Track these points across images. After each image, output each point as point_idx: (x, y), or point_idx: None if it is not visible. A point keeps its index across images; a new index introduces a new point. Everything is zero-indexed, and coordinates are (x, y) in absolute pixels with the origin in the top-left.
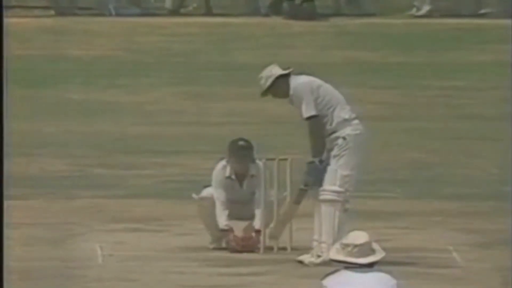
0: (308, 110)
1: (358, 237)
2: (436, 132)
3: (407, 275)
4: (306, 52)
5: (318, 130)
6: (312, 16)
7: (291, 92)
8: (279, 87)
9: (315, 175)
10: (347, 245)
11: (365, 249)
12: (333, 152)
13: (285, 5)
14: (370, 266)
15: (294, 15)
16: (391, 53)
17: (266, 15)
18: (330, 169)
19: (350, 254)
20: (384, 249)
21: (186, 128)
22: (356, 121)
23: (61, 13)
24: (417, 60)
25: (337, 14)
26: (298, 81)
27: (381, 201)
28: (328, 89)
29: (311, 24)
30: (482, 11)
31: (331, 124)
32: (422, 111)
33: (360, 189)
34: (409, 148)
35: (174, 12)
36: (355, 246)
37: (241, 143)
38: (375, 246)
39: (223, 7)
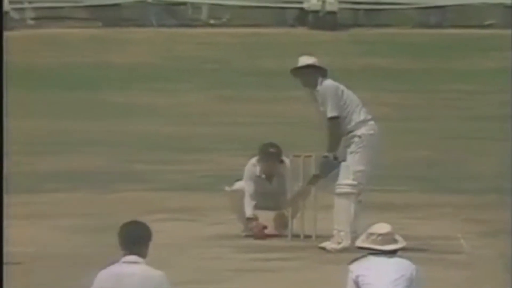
0: (332, 111)
1: (382, 227)
2: (444, 132)
3: (419, 260)
4: (327, 59)
5: (337, 130)
6: (333, 26)
7: (318, 87)
8: (308, 74)
9: (327, 168)
10: (372, 234)
11: (388, 238)
12: (350, 149)
13: (309, 17)
14: (392, 253)
15: (317, 26)
16: (403, 60)
17: (292, 25)
18: (345, 165)
19: (375, 242)
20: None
21: (218, 128)
22: (371, 122)
23: (107, 24)
24: (428, 66)
25: (356, 25)
26: (326, 82)
27: (395, 194)
28: (349, 94)
29: (332, 33)
30: (487, 22)
31: (349, 124)
32: (432, 112)
33: (376, 183)
34: (420, 146)
35: (208, 23)
36: (379, 235)
37: (271, 149)
38: (397, 236)
39: (253, 18)
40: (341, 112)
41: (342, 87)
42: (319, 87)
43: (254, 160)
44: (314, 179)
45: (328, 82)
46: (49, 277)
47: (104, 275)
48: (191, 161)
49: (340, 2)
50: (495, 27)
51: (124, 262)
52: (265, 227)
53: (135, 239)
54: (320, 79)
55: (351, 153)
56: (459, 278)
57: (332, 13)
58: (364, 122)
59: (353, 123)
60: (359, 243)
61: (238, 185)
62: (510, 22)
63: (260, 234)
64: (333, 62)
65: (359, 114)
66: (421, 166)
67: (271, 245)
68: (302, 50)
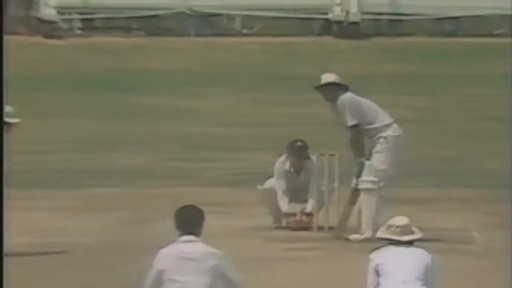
0: (351, 120)
1: (400, 220)
2: (458, 132)
3: (435, 250)
4: (351, 65)
5: (359, 136)
6: (356, 36)
7: (338, 101)
8: (330, 90)
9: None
10: (391, 226)
11: (406, 229)
12: (375, 149)
13: (334, 27)
14: (409, 243)
15: (341, 35)
16: (421, 66)
17: (318, 35)
18: (369, 163)
19: (394, 233)
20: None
21: (250, 129)
22: (395, 125)
23: (148, 33)
24: (443, 71)
25: (377, 34)
26: (344, 96)
27: (414, 190)
28: (367, 103)
29: (355, 42)
30: (496, 31)
31: (375, 129)
32: (448, 114)
33: (396, 179)
34: (436, 146)
35: (241, 32)
36: (398, 226)
37: (298, 143)
38: (413, 228)
39: (282, 28)
40: (360, 120)
41: (358, 98)
42: (339, 101)
43: (283, 157)
44: (354, 195)
45: (345, 95)
46: (103, 262)
47: (166, 252)
48: (226, 159)
49: (363, 13)
50: (504, 36)
51: (182, 241)
52: (303, 220)
53: (190, 220)
54: (340, 94)
55: (376, 152)
56: (472, 267)
57: (355, 23)
58: (388, 125)
59: (378, 127)
60: (379, 234)
61: (269, 183)
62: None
63: (298, 226)
64: (357, 69)
65: (383, 119)
66: (437, 163)
67: (299, 236)
68: (327, 57)
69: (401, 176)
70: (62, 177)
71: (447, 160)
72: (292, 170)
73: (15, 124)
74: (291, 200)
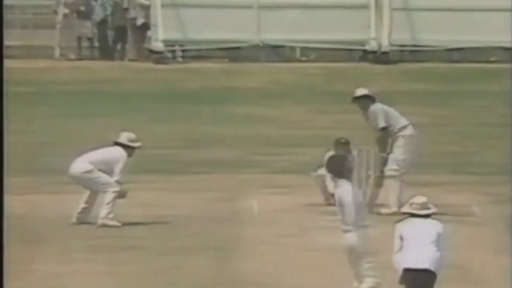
0: (381, 124)
1: (420, 198)
2: (463, 133)
3: (445, 221)
4: (383, 84)
5: (386, 136)
6: (386, 62)
7: (370, 109)
8: (363, 101)
9: (385, 163)
10: (412, 203)
11: (424, 206)
12: (396, 144)
13: (369, 55)
14: (426, 216)
15: (375, 62)
16: (435, 85)
17: (358, 61)
18: (392, 156)
19: (414, 208)
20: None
21: (309, 131)
22: (410, 126)
23: (232, 60)
24: (452, 89)
25: (403, 61)
26: (375, 106)
27: (430, 176)
28: (390, 110)
29: (386, 67)
30: (492, 59)
31: (395, 129)
32: (456, 120)
33: (417, 168)
34: (448, 143)
35: (301, 59)
36: (417, 204)
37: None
38: (430, 205)
39: (331, 56)
40: (387, 123)
41: (385, 107)
42: (370, 109)
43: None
44: (380, 179)
45: (375, 105)
46: (197, 229)
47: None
48: (291, 153)
49: (391, 45)
50: (498, 62)
51: None
52: None
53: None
54: (370, 104)
55: (397, 147)
56: (473, 233)
57: (386, 53)
58: (405, 127)
59: (397, 128)
60: (403, 209)
61: (320, 171)
62: (507, 59)
63: None
64: (387, 87)
65: (401, 122)
66: (447, 156)
67: None
68: (366, 78)
69: (419, 166)
70: (171, 166)
71: (455, 154)
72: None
73: (137, 147)
74: None
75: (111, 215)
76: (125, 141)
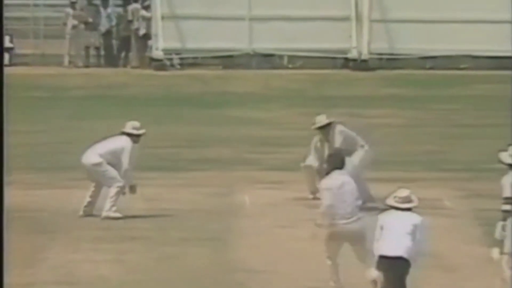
0: (337, 144)
1: (402, 192)
2: (438, 134)
3: (421, 213)
4: (363, 89)
5: (338, 153)
6: (366, 69)
7: (331, 133)
8: (328, 129)
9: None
10: (395, 196)
11: (405, 199)
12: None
13: (351, 63)
14: (408, 209)
15: (356, 69)
16: (411, 90)
17: (340, 68)
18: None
19: (396, 201)
20: None
21: (297, 132)
22: (366, 147)
23: (225, 67)
24: (427, 93)
25: (381, 68)
26: (336, 128)
27: (406, 172)
28: (348, 132)
29: (366, 73)
30: (462, 66)
31: (353, 148)
32: (430, 122)
33: (397, 166)
34: (422, 143)
35: (288, 66)
36: (400, 197)
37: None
38: (413, 198)
39: (316, 64)
40: (343, 146)
41: (342, 128)
42: (331, 133)
43: (316, 138)
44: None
45: (336, 128)
46: (195, 221)
47: (328, 181)
48: (281, 152)
49: (371, 54)
50: (467, 69)
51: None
52: None
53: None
54: (330, 129)
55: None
56: (445, 224)
57: (365, 60)
58: (361, 146)
59: (354, 147)
60: (387, 201)
61: (309, 160)
62: (475, 67)
63: None
64: (367, 92)
65: (357, 142)
66: (423, 154)
67: None
68: (347, 84)
69: (398, 163)
70: (172, 164)
71: (429, 152)
72: (318, 144)
73: (142, 134)
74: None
75: (114, 208)
76: (130, 130)
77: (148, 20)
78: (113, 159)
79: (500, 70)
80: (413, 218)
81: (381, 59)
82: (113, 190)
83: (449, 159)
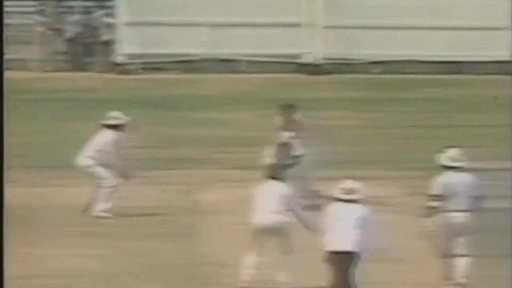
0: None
1: (347, 183)
2: (394, 134)
3: (372, 207)
4: (317, 92)
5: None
6: (320, 73)
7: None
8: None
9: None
10: (340, 188)
11: (350, 191)
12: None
13: (305, 67)
14: (353, 201)
15: (310, 73)
16: (363, 93)
17: (295, 73)
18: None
19: (340, 193)
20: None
21: (257, 133)
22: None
23: (186, 72)
24: (376, 96)
25: (333, 72)
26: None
27: (359, 171)
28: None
29: (319, 77)
30: (407, 71)
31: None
32: (381, 123)
33: (348, 165)
34: (378, 143)
35: (246, 71)
36: (344, 189)
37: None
38: (358, 190)
39: (272, 68)
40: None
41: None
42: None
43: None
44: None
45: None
46: (165, 217)
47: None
48: (244, 151)
49: (324, 59)
50: (413, 74)
51: None
52: None
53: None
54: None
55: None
56: (394, 220)
57: (319, 65)
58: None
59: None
60: (333, 193)
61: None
62: (420, 71)
63: None
64: (321, 95)
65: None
66: (376, 155)
67: None
68: (302, 87)
69: (351, 162)
70: (142, 164)
71: (381, 153)
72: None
73: (125, 123)
74: None
75: (105, 207)
76: (111, 121)
77: (112, 26)
78: (103, 157)
79: (444, 74)
80: (358, 210)
81: (333, 64)
82: (103, 190)
83: (399, 158)
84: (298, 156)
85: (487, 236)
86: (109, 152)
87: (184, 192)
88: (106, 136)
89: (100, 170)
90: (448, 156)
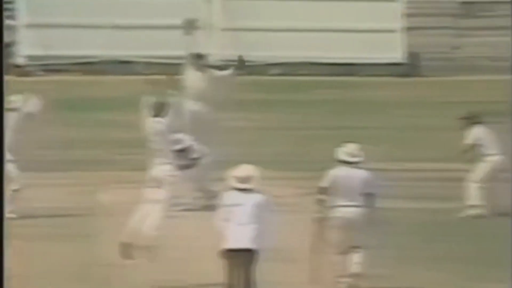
0: None
1: (241, 171)
2: (287, 136)
3: (270, 210)
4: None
5: None
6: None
7: None
8: None
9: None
10: (234, 177)
11: (245, 179)
12: None
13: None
14: (248, 190)
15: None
16: (259, 95)
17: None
18: None
19: (235, 182)
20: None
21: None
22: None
23: (85, 74)
24: (274, 98)
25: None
26: None
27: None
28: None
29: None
30: (300, 72)
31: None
32: (280, 124)
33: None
34: (273, 145)
35: (141, 72)
36: (237, 177)
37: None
38: (254, 178)
39: (170, 69)
40: None
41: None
42: None
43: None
44: None
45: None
46: (62, 219)
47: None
48: (142, 153)
49: (221, 60)
50: (305, 75)
51: None
52: None
53: None
54: None
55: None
56: (288, 220)
57: (217, 67)
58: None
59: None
60: (229, 182)
61: None
62: (316, 73)
63: None
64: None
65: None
66: (273, 155)
67: None
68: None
69: (252, 163)
70: (38, 165)
71: (278, 153)
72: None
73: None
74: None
75: (9, 207)
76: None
77: (12, 27)
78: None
79: (338, 76)
80: (255, 198)
81: (231, 65)
82: (8, 192)
83: (295, 159)
84: (196, 159)
85: (380, 232)
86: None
87: (84, 193)
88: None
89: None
90: (345, 150)
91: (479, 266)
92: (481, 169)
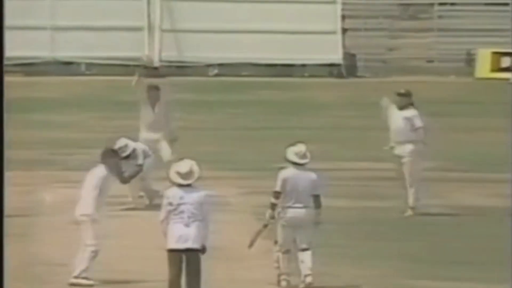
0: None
1: (183, 166)
2: (226, 136)
3: (208, 209)
4: None
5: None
6: (157, 76)
7: None
8: None
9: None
10: (176, 172)
11: (187, 175)
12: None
13: (146, 70)
14: (190, 187)
15: (148, 75)
16: (199, 95)
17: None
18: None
19: (178, 178)
20: None
21: (97, 135)
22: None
23: (27, 74)
24: (213, 98)
25: (170, 75)
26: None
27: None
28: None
29: (157, 80)
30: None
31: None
32: (217, 124)
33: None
34: (211, 144)
35: (85, 73)
36: (180, 173)
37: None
38: (195, 172)
39: (111, 70)
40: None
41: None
42: None
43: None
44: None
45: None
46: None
47: None
48: (82, 153)
49: (161, 61)
50: (247, 76)
51: None
52: None
53: None
54: None
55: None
56: (230, 219)
57: (156, 68)
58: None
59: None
60: (171, 177)
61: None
62: (256, 74)
63: None
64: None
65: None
66: (210, 155)
67: None
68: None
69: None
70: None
71: (216, 153)
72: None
73: None
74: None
75: None
76: None
77: None
78: None
79: (276, 77)
80: (198, 192)
81: (170, 66)
82: None
83: (233, 159)
84: (141, 165)
85: (327, 231)
86: None
87: (22, 192)
88: None
89: None
90: (295, 151)
91: (422, 264)
92: (407, 169)
